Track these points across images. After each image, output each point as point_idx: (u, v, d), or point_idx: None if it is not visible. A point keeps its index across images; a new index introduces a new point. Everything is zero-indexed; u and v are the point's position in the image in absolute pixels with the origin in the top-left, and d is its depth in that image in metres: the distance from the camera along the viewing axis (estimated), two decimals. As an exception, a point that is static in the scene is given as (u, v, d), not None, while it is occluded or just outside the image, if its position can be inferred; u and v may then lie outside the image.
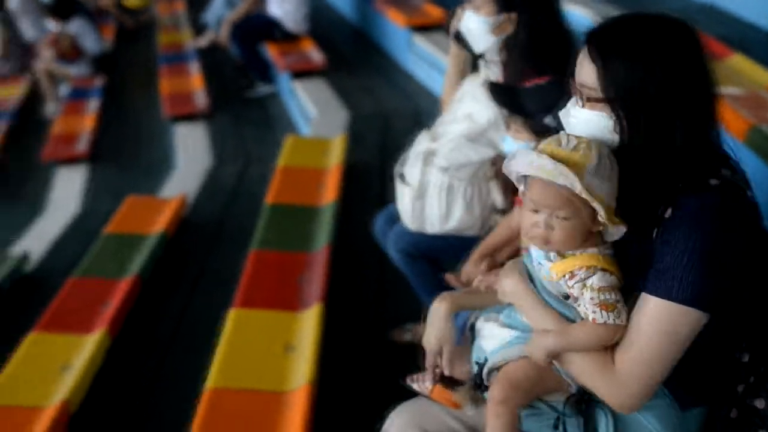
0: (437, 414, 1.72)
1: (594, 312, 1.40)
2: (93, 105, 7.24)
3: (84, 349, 3.17)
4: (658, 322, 1.37)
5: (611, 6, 4.44)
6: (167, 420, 2.84)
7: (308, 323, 2.80)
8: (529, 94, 2.23)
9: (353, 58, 6.46)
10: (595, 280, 1.40)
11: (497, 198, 2.53)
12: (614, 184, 1.40)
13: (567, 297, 1.47)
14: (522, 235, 1.49)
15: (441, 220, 2.57)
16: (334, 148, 4.43)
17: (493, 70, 2.49)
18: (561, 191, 1.38)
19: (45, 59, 7.88)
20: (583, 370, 1.44)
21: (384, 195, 2.90)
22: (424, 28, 5.67)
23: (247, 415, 2.41)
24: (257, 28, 6.65)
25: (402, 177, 2.63)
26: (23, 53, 8.64)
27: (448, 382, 1.71)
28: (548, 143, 1.42)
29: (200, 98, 6.56)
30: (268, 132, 5.73)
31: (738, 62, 3.38)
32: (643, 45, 1.38)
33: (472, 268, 2.20)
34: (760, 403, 1.49)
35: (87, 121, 6.85)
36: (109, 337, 3.23)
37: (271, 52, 6.45)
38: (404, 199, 2.63)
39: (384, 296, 3.04)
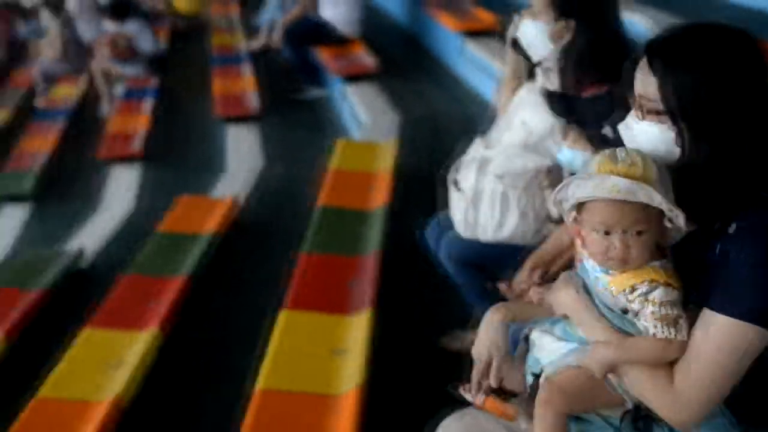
0: (489, 426, 1.71)
1: (655, 327, 1.38)
2: (147, 105, 7.35)
3: (135, 346, 3.22)
4: (723, 339, 1.34)
5: (670, 15, 4.38)
6: (215, 420, 2.86)
7: (358, 327, 2.80)
8: (587, 103, 2.22)
9: (404, 62, 6.47)
10: (657, 295, 1.39)
11: (552, 207, 2.51)
12: (671, 192, 1.39)
13: (625, 311, 1.45)
14: (599, 262, 1.46)
15: (494, 228, 2.56)
16: (384, 152, 4.44)
17: (550, 79, 2.48)
18: (634, 207, 1.37)
19: (101, 59, 8.04)
20: (641, 385, 1.42)
21: (434, 200, 2.90)
22: (475, 34, 5.66)
23: (296, 417, 2.43)
24: (309, 31, 6.70)
25: (456, 183, 2.63)
26: (81, 53, 8.82)
27: (502, 393, 1.70)
28: (604, 163, 1.42)
29: (252, 100, 6.62)
30: (318, 135, 5.76)
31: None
32: (704, 55, 1.36)
33: (524, 278, 2.19)
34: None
35: (141, 121, 6.95)
36: (160, 335, 3.28)
37: (322, 55, 6.49)
38: (457, 206, 2.62)
39: (433, 303, 3.04)
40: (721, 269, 1.36)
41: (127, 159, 6.32)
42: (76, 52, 8.85)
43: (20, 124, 8.10)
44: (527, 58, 2.54)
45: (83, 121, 7.79)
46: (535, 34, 2.43)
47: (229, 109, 6.56)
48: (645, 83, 1.41)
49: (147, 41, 8.13)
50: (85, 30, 9.24)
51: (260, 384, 2.55)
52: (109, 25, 8.16)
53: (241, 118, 6.37)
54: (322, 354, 2.70)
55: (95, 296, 3.81)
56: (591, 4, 2.34)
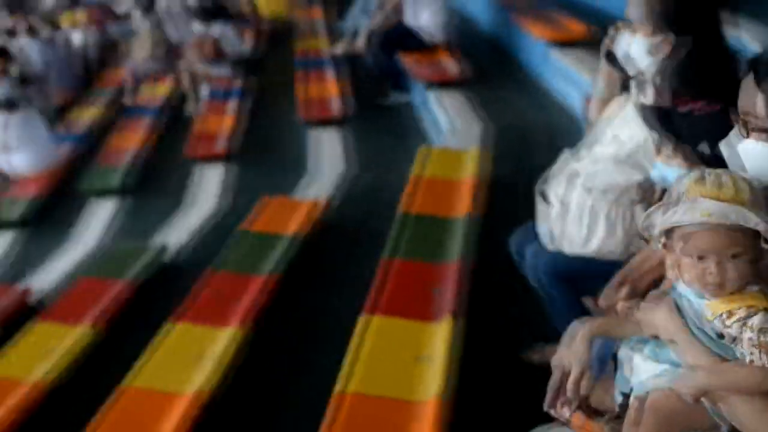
0: (575, 444, 1.70)
1: (752, 354, 1.35)
2: (232, 106, 7.47)
3: (219, 341, 3.30)
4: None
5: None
6: (295, 419, 2.91)
7: (440, 335, 2.80)
8: (684, 119, 2.17)
9: (489, 69, 6.43)
10: (756, 321, 1.36)
11: (641, 227, 2.47)
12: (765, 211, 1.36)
13: (721, 336, 1.42)
14: (694, 288, 1.44)
15: (581, 241, 2.53)
16: (468, 160, 4.43)
17: (646, 92, 2.44)
18: (730, 230, 1.34)
19: (189, 60, 8.24)
20: (739, 412, 1.39)
21: (518, 211, 2.88)
22: (563, 43, 5.60)
23: (377, 421, 2.45)
24: (394, 37, 6.73)
25: (543, 195, 2.61)
26: (169, 54, 9.06)
27: (589, 411, 1.69)
28: (692, 186, 1.40)
29: (335, 104, 6.69)
30: (400, 141, 5.78)
31: None
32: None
33: (612, 294, 2.16)
34: None
35: (226, 121, 7.08)
36: (244, 332, 3.34)
37: (406, 61, 6.51)
38: (544, 217, 2.61)
39: (519, 314, 3.02)
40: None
41: (211, 158, 6.45)
42: (165, 53, 9.09)
43: (110, 122, 8.35)
44: (622, 71, 2.51)
45: (170, 119, 7.99)
46: (634, 47, 2.40)
47: (312, 112, 6.64)
48: (751, 100, 1.39)
49: (233, 43, 8.31)
50: (174, 31, 9.52)
51: (343, 386, 2.58)
52: (197, 27, 8.38)
53: (325, 122, 6.44)
54: (405, 360, 2.72)
55: (177, 291, 3.91)
56: (692, 18, 2.29)
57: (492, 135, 4.98)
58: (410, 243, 3.57)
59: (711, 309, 1.41)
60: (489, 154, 4.56)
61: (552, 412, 1.74)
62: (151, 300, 4.25)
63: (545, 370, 1.72)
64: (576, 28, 5.71)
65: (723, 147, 1.50)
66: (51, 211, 6.66)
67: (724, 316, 1.39)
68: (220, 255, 4.10)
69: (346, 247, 4.32)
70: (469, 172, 4.26)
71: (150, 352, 3.28)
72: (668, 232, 1.43)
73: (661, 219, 1.42)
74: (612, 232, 2.51)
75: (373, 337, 2.86)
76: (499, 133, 5.02)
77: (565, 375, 1.68)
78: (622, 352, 1.62)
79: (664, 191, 2.30)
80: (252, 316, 3.46)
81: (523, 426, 1.75)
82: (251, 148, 6.58)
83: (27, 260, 5.93)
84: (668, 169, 2.23)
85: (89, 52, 10.76)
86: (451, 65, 6.21)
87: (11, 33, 10.51)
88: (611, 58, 2.53)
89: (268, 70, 8.64)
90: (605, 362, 1.91)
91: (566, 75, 5.28)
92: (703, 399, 1.43)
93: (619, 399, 1.58)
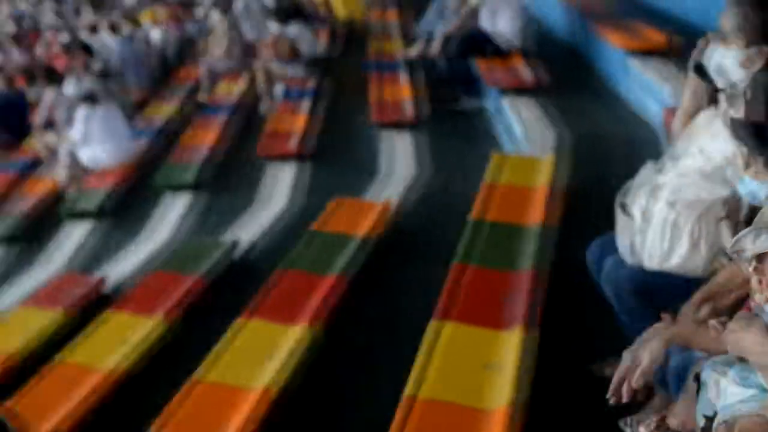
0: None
1: None
2: (305, 105, 7.53)
3: (288, 339, 3.33)
4: None
5: None
6: (361, 421, 2.91)
7: (510, 344, 2.78)
8: (776, 134, 2.11)
9: (565, 77, 6.35)
10: None
11: (727, 240, 2.40)
12: None
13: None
14: None
15: (662, 256, 2.48)
16: (542, 168, 4.38)
17: (735, 106, 2.37)
18: None
19: (264, 59, 8.35)
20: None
21: (593, 220, 2.84)
22: (642, 53, 5.50)
23: (445, 427, 2.44)
24: (469, 42, 6.71)
25: (624, 207, 2.56)
26: (245, 53, 9.20)
27: (665, 430, 1.66)
28: None
29: (407, 107, 6.69)
30: (472, 146, 5.76)
31: None
32: None
33: (692, 311, 2.12)
34: None
35: (299, 121, 7.14)
36: (313, 331, 3.37)
37: (480, 66, 6.48)
38: (624, 230, 2.56)
39: (592, 326, 2.97)
40: None
41: (284, 157, 6.51)
42: (241, 52, 9.23)
43: (186, 119, 8.51)
44: (711, 83, 2.45)
45: (244, 117, 8.10)
46: (725, 59, 2.34)
47: (384, 115, 6.66)
48: None
49: (308, 43, 8.39)
50: (249, 30, 9.67)
51: (413, 390, 2.58)
52: (273, 27, 8.48)
53: (396, 125, 6.45)
54: (474, 367, 2.70)
55: (246, 287, 3.96)
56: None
57: (567, 143, 4.92)
58: (482, 250, 3.55)
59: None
60: (567, 161, 4.49)
61: (627, 430, 1.71)
62: (221, 295, 4.32)
63: (609, 383, 1.70)
64: (655, 37, 5.60)
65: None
66: (127, 204, 6.84)
67: (818, 342, 1.35)
68: (291, 254, 4.14)
69: (414, 250, 4.31)
70: (544, 179, 4.21)
71: (222, 347, 3.33)
72: (760, 257, 1.40)
73: (752, 245, 1.39)
74: (696, 248, 2.45)
75: (443, 343, 2.85)
76: (575, 141, 4.95)
77: (634, 365, 1.65)
78: (706, 374, 1.58)
79: (750, 208, 2.24)
80: (322, 316, 3.48)
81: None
82: (324, 149, 6.63)
83: (103, 251, 6.09)
84: (757, 184, 2.17)
85: (168, 49, 11.00)
86: (526, 72, 6.16)
87: (93, 29, 10.81)
88: (700, 70, 2.47)
89: (342, 71, 8.70)
90: (683, 380, 1.87)
91: (645, 85, 5.19)
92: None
93: (702, 422, 1.54)
